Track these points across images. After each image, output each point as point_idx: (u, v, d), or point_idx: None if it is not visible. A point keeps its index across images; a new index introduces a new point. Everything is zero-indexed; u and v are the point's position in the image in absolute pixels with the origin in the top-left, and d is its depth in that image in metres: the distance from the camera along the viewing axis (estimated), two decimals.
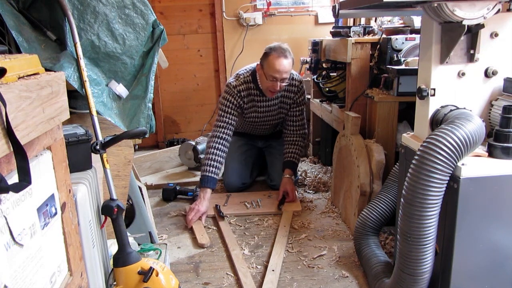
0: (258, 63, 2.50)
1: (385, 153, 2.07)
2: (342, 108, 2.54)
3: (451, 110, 1.38)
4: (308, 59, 2.97)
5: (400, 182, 1.57)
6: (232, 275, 1.84)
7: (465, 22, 1.26)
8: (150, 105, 1.74)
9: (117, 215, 1.32)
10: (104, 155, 1.37)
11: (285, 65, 2.39)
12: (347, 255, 1.96)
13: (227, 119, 2.52)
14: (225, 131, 2.51)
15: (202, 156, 3.13)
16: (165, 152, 3.37)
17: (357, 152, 2.09)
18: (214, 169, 2.44)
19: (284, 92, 2.62)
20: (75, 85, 1.45)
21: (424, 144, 1.25)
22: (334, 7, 1.80)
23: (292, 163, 2.65)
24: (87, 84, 1.44)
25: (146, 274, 1.30)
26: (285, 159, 2.67)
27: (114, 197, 1.35)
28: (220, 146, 2.48)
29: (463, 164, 1.24)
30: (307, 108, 3.40)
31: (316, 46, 2.82)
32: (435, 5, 1.25)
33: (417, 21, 2.34)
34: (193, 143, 3.19)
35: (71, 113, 1.08)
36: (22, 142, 0.75)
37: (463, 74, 1.41)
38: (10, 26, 1.37)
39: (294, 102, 2.68)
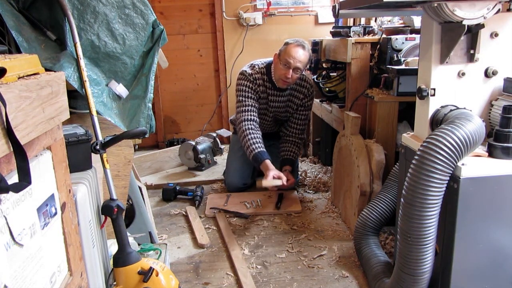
0: (276, 52, 2.57)
1: (385, 153, 2.07)
2: (342, 108, 2.54)
3: (451, 110, 1.38)
4: None
5: (400, 182, 1.57)
6: (232, 275, 1.84)
7: (465, 22, 1.26)
8: (150, 105, 1.73)
9: (117, 215, 1.32)
10: (104, 155, 1.37)
11: (301, 53, 2.46)
12: (347, 255, 1.96)
13: (248, 102, 2.56)
14: (251, 113, 2.55)
15: (202, 156, 3.14)
16: (165, 152, 3.37)
17: (357, 152, 2.09)
18: (261, 145, 2.48)
19: (293, 91, 2.67)
20: (75, 85, 1.45)
21: (424, 144, 1.25)
22: (334, 7, 1.80)
23: (291, 161, 2.67)
24: (87, 84, 1.44)
25: (146, 274, 1.30)
26: (284, 156, 2.68)
27: (114, 197, 1.35)
28: (252, 126, 2.52)
29: (463, 164, 1.24)
30: None
31: (316, 46, 2.82)
32: (435, 5, 1.25)
33: (417, 21, 2.34)
34: (193, 143, 3.19)
35: (71, 113, 1.08)
36: (22, 142, 0.75)
37: (463, 74, 1.41)
38: (10, 26, 1.37)
39: (302, 105, 2.71)
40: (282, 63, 2.48)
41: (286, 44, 2.50)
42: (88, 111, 1.43)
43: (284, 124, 2.82)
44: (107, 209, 1.30)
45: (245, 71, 2.62)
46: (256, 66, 2.63)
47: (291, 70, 2.47)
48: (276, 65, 2.56)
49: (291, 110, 2.73)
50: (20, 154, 0.75)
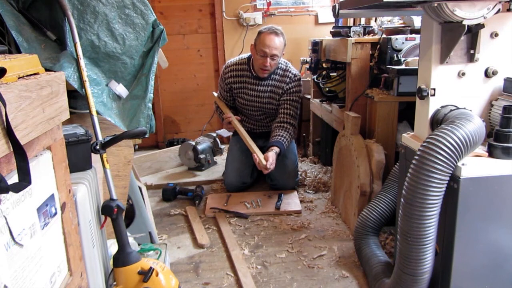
0: (252, 43, 2.63)
1: (385, 153, 2.07)
2: (342, 108, 2.54)
3: (451, 110, 1.38)
4: (308, 59, 2.97)
5: (400, 182, 1.57)
6: (232, 275, 1.84)
7: (465, 22, 1.26)
8: (150, 105, 1.73)
9: (117, 215, 1.32)
10: (104, 155, 1.37)
11: (275, 41, 2.51)
12: (347, 255, 1.96)
13: (220, 94, 2.90)
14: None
15: (202, 156, 3.14)
16: (165, 152, 3.37)
17: (357, 152, 2.09)
18: None
19: (276, 81, 2.67)
20: (75, 85, 1.45)
21: (424, 144, 1.25)
22: (334, 7, 1.80)
23: (279, 143, 2.51)
24: (87, 84, 1.44)
25: (146, 274, 1.30)
26: (273, 138, 2.55)
27: (114, 197, 1.35)
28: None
29: (463, 164, 1.24)
30: (307, 108, 3.40)
31: (316, 46, 2.82)
32: (435, 5, 1.25)
33: (417, 21, 2.34)
34: (193, 143, 3.19)
35: (71, 113, 1.08)
36: (22, 142, 0.75)
37: (463, 74, 1.41)
38: (10, 26, 1.37)
39: (284, 92, 2.65)
40: (259, 54, 2.53)
41: (259, 33, 2.56)
42: (88, 111, 1.43)
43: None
44: (107, 209, 1.30)
45: (226, 63, 2.80)
46: (238, 58, 2.77)
47: (268, 59, 2.52)
48: (253, 56, 2.62)
49: (275, 101, 2.68)
50: (20, 154, 0.75)
